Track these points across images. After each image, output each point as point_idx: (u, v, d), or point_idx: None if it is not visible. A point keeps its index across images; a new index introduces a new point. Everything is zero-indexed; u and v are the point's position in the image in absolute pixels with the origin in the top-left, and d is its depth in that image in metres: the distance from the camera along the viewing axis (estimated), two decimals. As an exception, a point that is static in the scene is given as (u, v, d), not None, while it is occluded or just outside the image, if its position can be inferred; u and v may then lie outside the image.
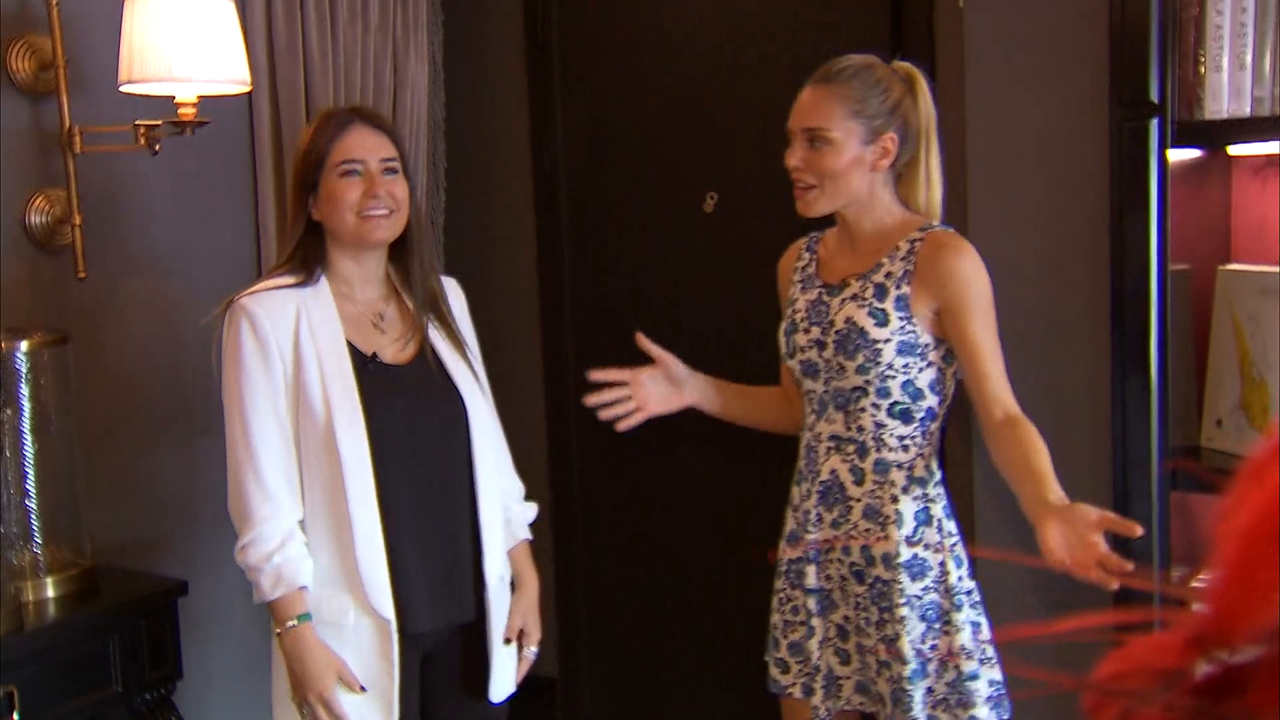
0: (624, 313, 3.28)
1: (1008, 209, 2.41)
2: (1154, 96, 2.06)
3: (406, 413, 2.06)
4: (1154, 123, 2.07)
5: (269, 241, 2.76)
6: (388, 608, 1.97)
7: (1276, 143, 2.14)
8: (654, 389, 2.30)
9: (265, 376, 2.00)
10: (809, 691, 2.16)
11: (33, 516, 2.27)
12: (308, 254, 2.06)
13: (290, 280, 2.03)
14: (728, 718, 3.16)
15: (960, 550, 2.07)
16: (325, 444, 1.98)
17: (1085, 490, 2.30)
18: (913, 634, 2.00)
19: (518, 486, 2.28)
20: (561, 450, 3.32)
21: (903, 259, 2.06)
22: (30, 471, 2.27)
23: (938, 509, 2.07)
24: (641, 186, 3.24)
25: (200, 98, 2.31)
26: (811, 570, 2.12)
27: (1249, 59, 2.01)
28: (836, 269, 2.15)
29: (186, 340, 2.68)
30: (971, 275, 2.02)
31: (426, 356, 2.12)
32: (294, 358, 2.00)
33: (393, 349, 2.10)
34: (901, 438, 2.05)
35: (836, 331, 2.07)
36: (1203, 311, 2.27)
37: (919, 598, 2.02)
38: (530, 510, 2.29)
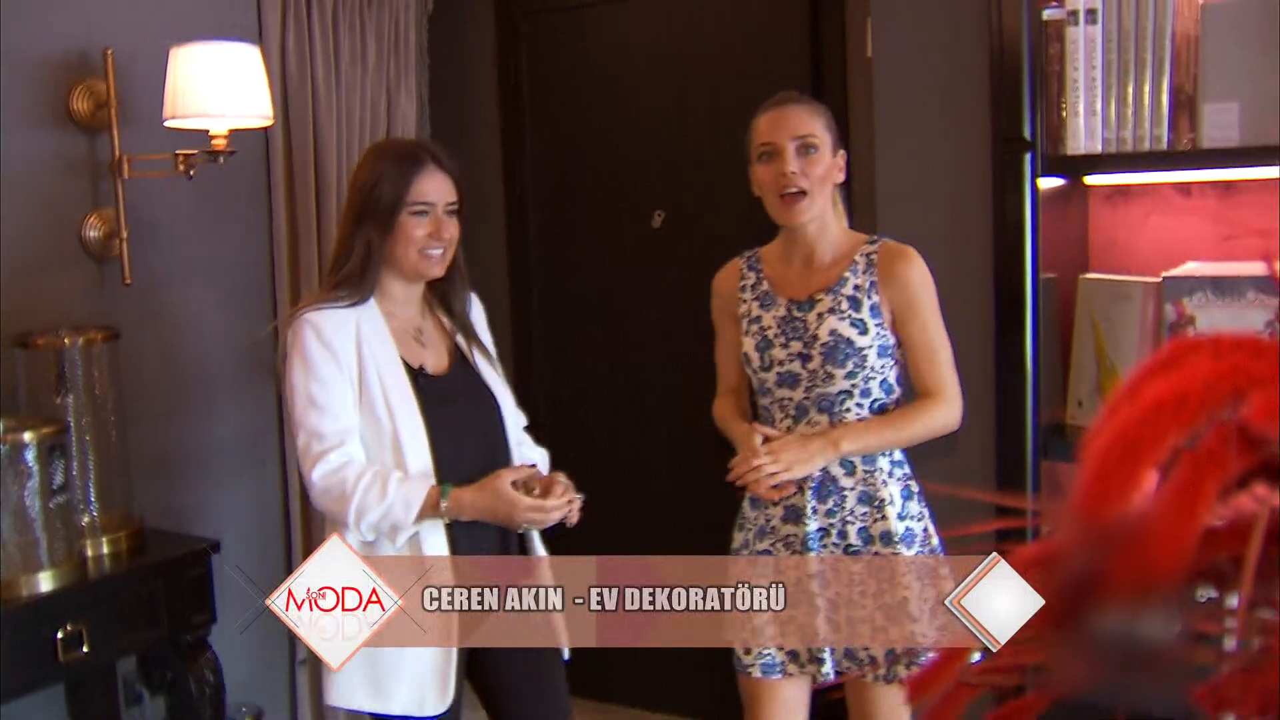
0: (586, 319, 3.40)
1: (909, 226, 2.52)
2: (1027, 135, 2.21)
3: (456, 418, 2.12)
4: (1027, 156, 2.22)
5: (281, 252, 2.97)
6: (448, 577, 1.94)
7: (1122, 175, 2.34)
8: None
9: (336, 374, 2.03)
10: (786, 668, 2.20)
11: (90, 486, 2.47)
12: (368, 279, 2.09)
13: (345, 300, 2.07)
14: (701, 695, 3.29)
15: (928, 517, 2.19)
16: (391, 451, 2.03)
17: (973, 457, 2.49)
18: (914, 595, 2.05)
19: (541, 453, 2.31)
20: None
21: (864, 271, 2.13)
22: (87, 448, 2.47)
23: (914, 485, 2.19)
24: (600, 207, 3.37)
25: (230, 130, 2.52)
26: (812, 557, 2.15)
27: (1099, 106, 2.16)
28: (797, 286, 2.19)
29: (213, 336, 2.89)
30: (920, 281, 2.14)
31: (462, 366, 2.19)
32: (358, 369, 2.04)
33: (433, 360, 2.16)
34: None
35: (822, 344, 2.12)
36: (1067, 312, 2.41)
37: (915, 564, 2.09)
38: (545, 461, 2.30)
